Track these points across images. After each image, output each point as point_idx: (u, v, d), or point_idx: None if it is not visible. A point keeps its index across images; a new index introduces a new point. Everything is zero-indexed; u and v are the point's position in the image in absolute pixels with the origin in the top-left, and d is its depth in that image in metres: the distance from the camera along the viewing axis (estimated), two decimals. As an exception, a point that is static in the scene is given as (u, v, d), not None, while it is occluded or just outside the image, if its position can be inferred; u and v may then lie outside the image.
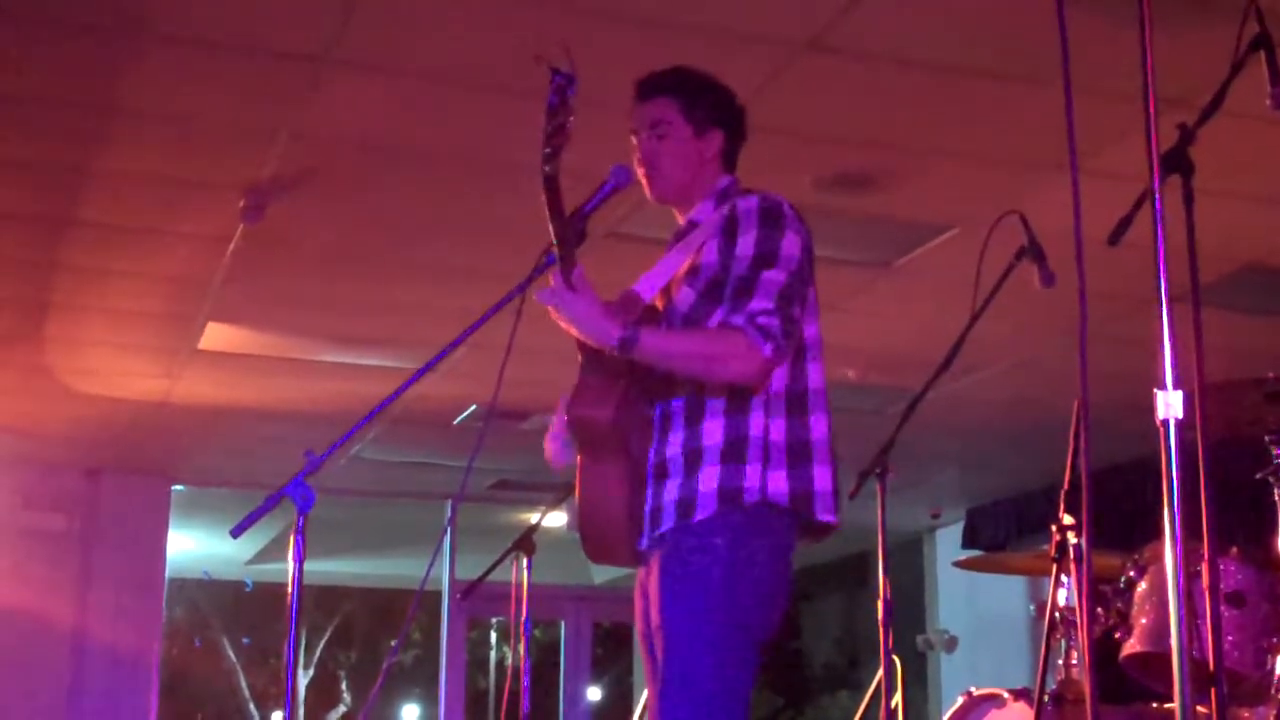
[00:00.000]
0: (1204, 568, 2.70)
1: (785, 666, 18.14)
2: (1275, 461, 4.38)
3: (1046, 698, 4.58)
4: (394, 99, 5.03)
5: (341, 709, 24.87)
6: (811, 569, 15.25)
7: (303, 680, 23.93)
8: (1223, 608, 4.34)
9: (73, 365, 8.20)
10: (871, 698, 6.92)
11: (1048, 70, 2.52)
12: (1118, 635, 4.69)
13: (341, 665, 25.34)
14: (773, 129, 3.46)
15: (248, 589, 19.75)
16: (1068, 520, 4.44)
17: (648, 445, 3.14)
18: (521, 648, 6.37)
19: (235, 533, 2.92)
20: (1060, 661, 4.89)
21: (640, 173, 3.28)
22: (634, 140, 3.31)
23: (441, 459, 10.47)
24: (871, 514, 4.43)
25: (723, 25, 4.48)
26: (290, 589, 2.89)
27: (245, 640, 24.49)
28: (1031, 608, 9.62)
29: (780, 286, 3.04)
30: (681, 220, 3.33)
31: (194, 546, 14.02)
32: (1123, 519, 7.98)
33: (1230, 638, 4.35)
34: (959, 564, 6.42)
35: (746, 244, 3.08)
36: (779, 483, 3.05)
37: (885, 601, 4.49)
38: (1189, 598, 2.26)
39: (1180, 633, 2.23)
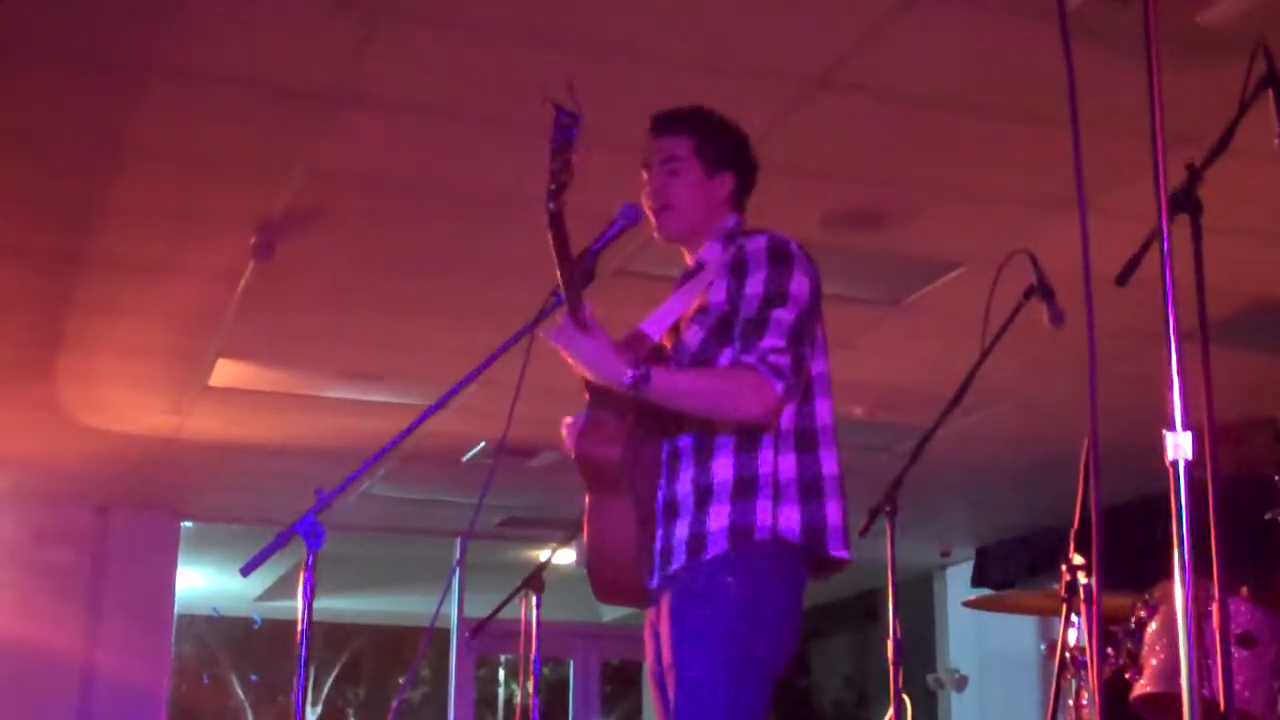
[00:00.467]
0: (1214, 608, 2.69)
1: (794, 704, 18.06)
2: (1286, 501, 4.37)
3: (1057, 738, 4.56)
4: (405, 135, 5.05)
5: (350, 746, 24.80)
6: (821, 607, 15.20)
7: (311, 717, 23.86)
8: (1233, 648, 4.33)
9: (83, 400, 8.21)
10: (881, 737, 6.89)
11: (1056, 109, 2.52)
12: (1128, 675, 4.67)
13: (350, 703, 25.26)
14: (783, 166, 3.47)
15: (256, 626, 19.71)
16: (1078, 559, 4.43)
17: (656, 483, 3.13)
18: (530, 686, 6.35)
19: (245, 571, 2.91)
20: (1071, 702, 4.87)
21: (649, 207, 3.29)
22: (645, 175, 3.32)
23: (450, 496, 10.46)
24: (881, 551, 4.42)
25: (734, 62, 4.50)
26: (300, 626, 2.89)
27: (253, 677, 24.43)
28: (1042, 646, 9.60)
29: (790, 325, 3.04)
30: (690, 260, 3.34)
31: (203, 583, 14.01)
32: (1133, 558, 7.93)
33: (1241, 678, 4.34)
34: (969, 604, 6.40)
35: (756, 283, 3.08)
36: (791, 519, 3.05)
37: (895, 640, 4.48)
38: (1199, 638, 2.26)
39: (1191, 673, 2.23)
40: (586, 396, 3.15)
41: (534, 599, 6.24)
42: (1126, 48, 3.74)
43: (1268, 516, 4.38)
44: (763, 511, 3.02)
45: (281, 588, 14.11)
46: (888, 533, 4.43)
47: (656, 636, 3.15)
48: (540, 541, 11.59)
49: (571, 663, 14.17)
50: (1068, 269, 3.08)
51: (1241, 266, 5.85)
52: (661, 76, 4.46)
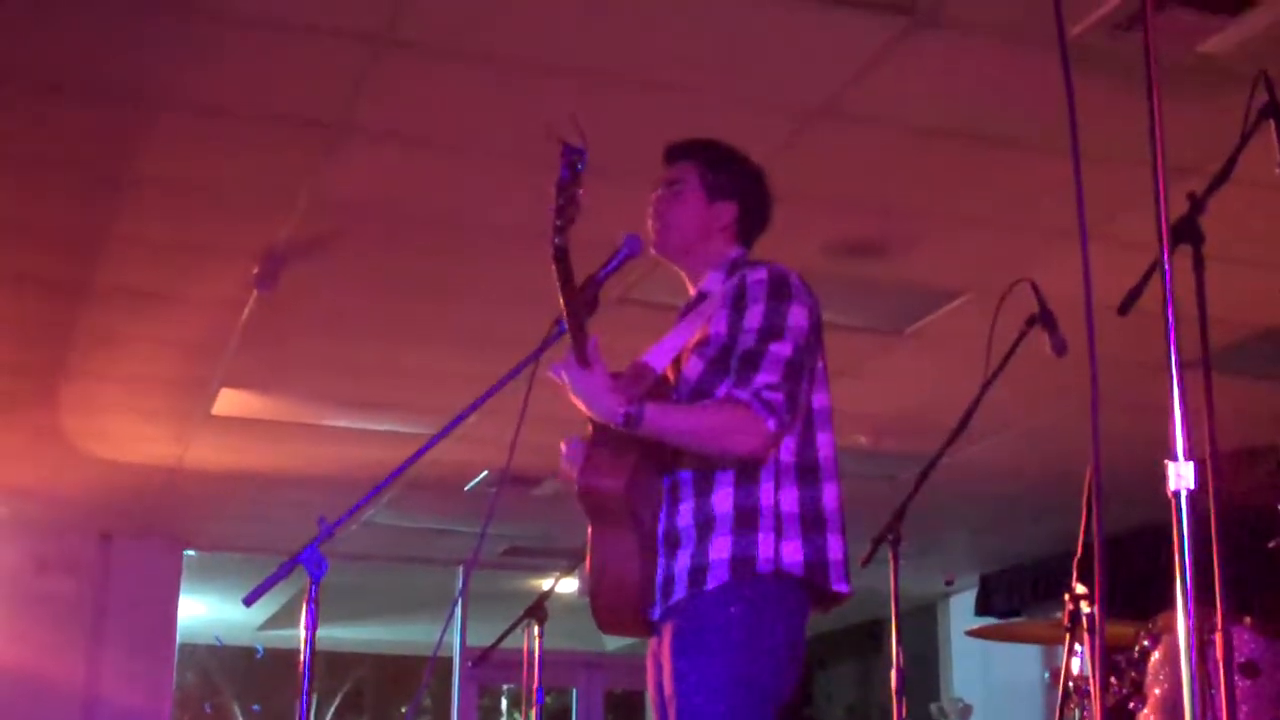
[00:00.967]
0: (1217, 637, 2.69)
1: (798, 735, 18.01)
2: (1288, 529, 4.36)
3: (1061, 767, 4.55)
4: (407, 165, 5.06)
5: (352, 776, 24.73)
6: (824, 636, 15.17)
7: (313, 747, 23.78)
8: (1236, 678, 4.32)
9: (86, 429, 8.22)
10: (885, 767, 6.86)
11: (1058, 138, 2.53)
12: (1132, 705, 4.66)
13: (352, 732, 25.19)
14: (785, 195, 3.47)
15: (259, 655, 19.68)
16: (1081, 588, 4.42)
17: (657, 515, 3.13)
18: (533, 715, 6.34)
19: (248, 601, 2.91)
20: (1075, 731, 4.85)
21: (649, 226, 3.31)
22: (651, 196, 3.34)
23: (453, 525, 10.46)
24: (885, 581, 4.41)
25: (736, 92, 4.52)
26: (302, 655, 2.89)
27: (255, 707, 24.36)
28: (1046, 675, 9.57)
29: (787, 359, 3.04)
30: (692, 290, 3.34)
31: (205, 612, 14.00)
32: (1136, 587, 7.93)
33: (1244, 708, 4.32)
34: (972, 633, 6.39)
35: (754, 316, 3.08)
36: (794, 553, 3.04)
37: (899, 669, 4.46)
38: (1202, 667, 2.25)
39: (1194, 703, 2.22)
40: (590, 428, 3.15)
41: (537, 628, 6.23)
42: (1127, 77, 3.75)
43: (1271, 545, 4.37)
44: (765, 544, 3.02)
45: (284, 617, 14.09)
46: (891, 562, 4.42)
47: (659, 667, 3.15)
48: (543, 570, 11.57)
49: (574, 692, 14.12)
50: (1070, 298, 3.08)
51: (1243, 295, 5.85)
52: (664, 108, 4.48)
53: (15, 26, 4.20)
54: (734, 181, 3.33)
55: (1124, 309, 2.48)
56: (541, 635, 6.23)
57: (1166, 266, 2.33)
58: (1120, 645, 4.85)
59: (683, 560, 3.06)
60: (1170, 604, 2.24)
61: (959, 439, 4.41)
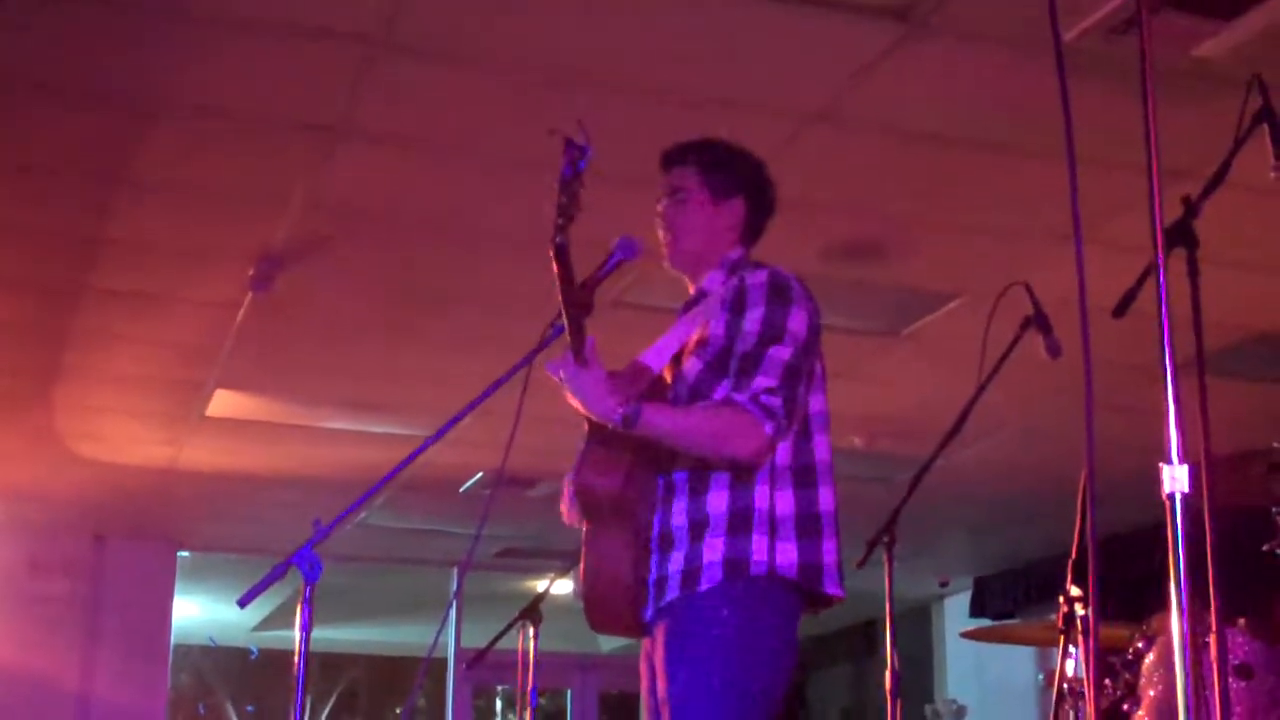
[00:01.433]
0: (1212, 639, 2.70)
1: (792, 736, 18.00)
2: (1282, 532, 4.37)
3: (1055, 769, 4.55)
4: (403, 168, 5.06)
5: (346, 777, 24.71)
6: (819, 638, 15.17)
7: (307, 748, 23.76)
8: (1230, 680, 4.32)
9: (80, 431, 8.21)
10: (879, 768, 6.87)
11: (1053, 142, 2.53)
12: (1126, 707, 4.67)
13: (346, 733, 25.17)
14: (782, 199, 3.47)
15: (253, 656, 19.66)
16: (1075, 590, 4.43)
17: (652, 514, 3.13)
18: (528, 716, 6.34)
19: (243, 602, 2.92)
20: (1069, 733, 4.86)
21: (660, 239, 3.30)
22: (658, 208, 3.33)
23: (448, 526, 10.46)
24: (879, 582, 4.41)
25: (732, 97, 4.52)
26: (296, 657, 2.89)
27: (250, 708, 24.34)
28: (1040, 677, 9.58)
29: (785, 363, 3.04)
30: (692, 289, 3.34)
31: (199, 613, 13.99)
32: (1131, 589, 7.94)
33: (1238, 709, 4.33)
34: (967, 634, 6.40)
35: (754, 319, 3.08)
36: (788, 555, 3.04)
37: (893, 671, 4.47)
38: (1197, 670, 2.26)
39: (1188, 705, 2.23)
40: (586, 427, 3.16)
41: (531, 629, 6.23)
42: (1122, 81, 3.76)
43: (1265, 548, 4.38)
44: (759, 547, 3.02)
45: (278, 618, 14.09)
46: (885, 564, 4.43)
47: (652, 668, 3.15)
48: (538, 572, 11.57)
49: (569, 693, 14.12)
50: (1065, 301, 3.09)
51: (1238, 298, 5.86)
52: (663, 112, 4.48)
53: (11, 29, 4.20)
54: (737, 177, 3.33)
55: (1119, 312, 2.48)
56: (536, 636, 6.23)
57: (1161, 270, 2.34)
58: (1115, 647, 4.86)
59: (676, 561, 3.06)
60: (1165, 606, 2.24)
61: (954, 441, 4.42)
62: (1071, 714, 4.82)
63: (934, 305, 6.25)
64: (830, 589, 3.10)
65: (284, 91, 4.55)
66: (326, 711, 24.18)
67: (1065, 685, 4.69)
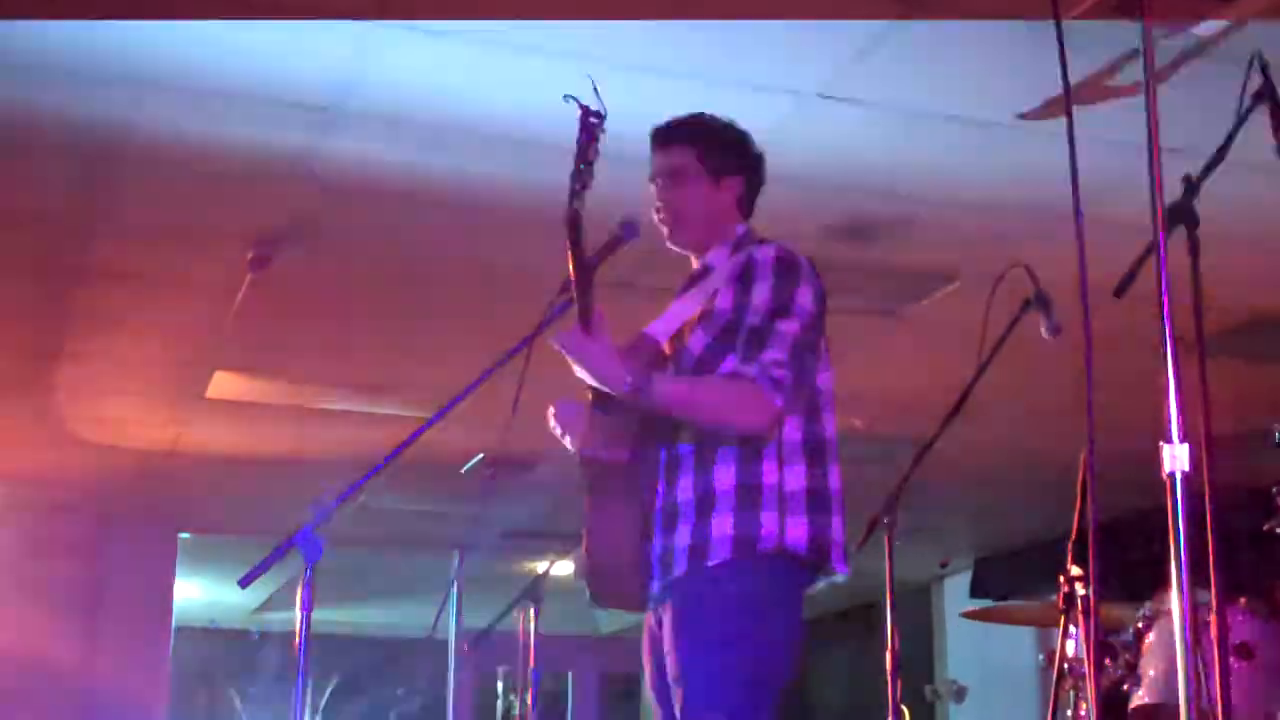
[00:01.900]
0: (1212, 619, 2.70)
1: (793, 716, 18.04)
2: (1283, 512, 4.37)
3: (1055, 749, 4.56)
4: (403, 148, 5.05)
5: (348, 758, 24.75)
6: (819, 618, 15.18)
7: (309, 729, 23.79)
8: (1231, 659, 4.33)
9: (81, 413, 8.21)
10: (880, 749, 6.88)
11: (1054, 121, 2.53)
12: (1126, 686, 4.67)
13: (348, 715, 25.21)
14: (781, 178, 3.47)
15: (254, 638, 19.67)
16: (1076, 571, 4.43)
17: (655, 487, 3.13)
18: (529, 698, 6.35)
19: (244, 583, 2.92)
20: (1069, 712, 4.87)
21: (659, 220, 3.29)
22: (652, 188, 3.32)
23: (449, 508, 10.46)
24: (879, 563, 4.41)
25: (732, 74, 4.51)
26: (297, 638, 2.89)
27: (251, 689, 24.37)
28: (1040, 657, 9.59)
29: (794, 338, 3.05)
30: (695, 264, 3.34)
31: (201, 594, 14.00)
32: (1131, 569, 7.95)
33: (1239, 689, 4.34)
34: (967, 615, 6.41)
35: (762, 294, 3.08)
36: (799, 530, 3.04)
37: (893, 652, 4.47)
38: (1197, 649, 2.26)
39: (1189, 684, 2.23)
40: (590, 397, 3.15)
41: (532, 611, 6.24)
42: (1123, 59, 3.76)
43: (1265, 528, 4.38)
44: (768, 521, 3.02)
45: (280, 600, 14.10)
46: (886, 544, 4.43)
47: (656, 646, 3.15)
48: (539, 553, 11.57)
49: (570, 675, 14.15)
50: (1065, 280, 3.08)
51: (1239, 278, 5.85)
52: (659, 91, 4.47)
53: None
54: (734, 156, 3.33)
55: (1119, 292, 2.48)
56: (537, 618, 6.24)
57: (1162, 249, 2.33)
58: (1115, 627, 4.86)
59: (682, 536, 3.06)
60: (1165, 586, 2.25)
61: (954, 422, 4.41)
62: (1072, 694, 4.82)
63: (934, 285, 6.24)
64: (838, 566, 3.11)
65: (285, 70, 4.54)
66: (328, 693, 24.21)
67: (1066, 665, 4.70)
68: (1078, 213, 2.42)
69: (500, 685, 8.79)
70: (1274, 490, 4.39)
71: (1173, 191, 2.53)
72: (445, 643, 12.61)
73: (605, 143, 2.97)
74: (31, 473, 9.58)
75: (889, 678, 4.47)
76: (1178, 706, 2.22)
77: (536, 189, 5.01)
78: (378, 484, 9.58)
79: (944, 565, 12.16)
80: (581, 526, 3.19)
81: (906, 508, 4.47)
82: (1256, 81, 2.90)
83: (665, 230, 3.30)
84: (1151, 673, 4.58)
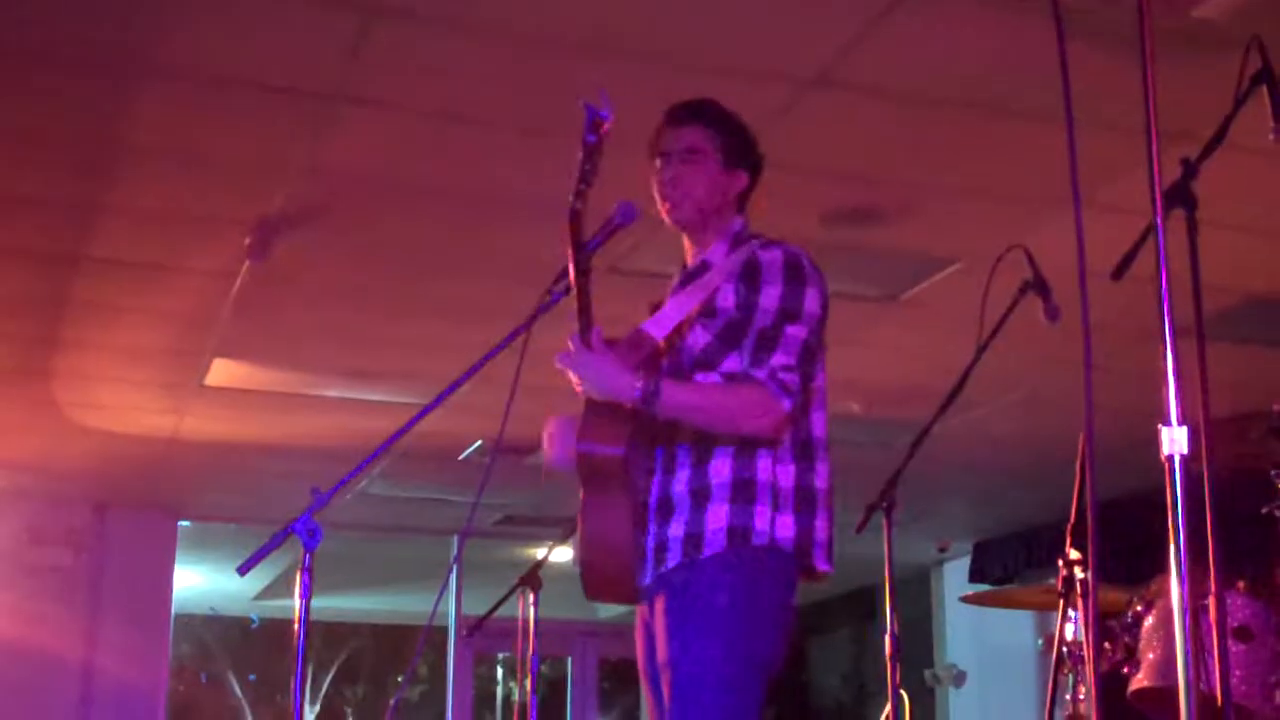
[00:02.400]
0: (1211, 602, 2.70)
1: (793, 701, 18.06)
2: (1281, 495, 4.38)
3: (1055, 732, 4.57)
4: (401, 135, 5.05)
5: (348, 745, 24.80)
6: (819, 603, 15.20)
7: (309, 716, 23.85)
8: (1230, 642, 4.33)
9: (80, 401, 8.21)
10: (879, 733, 6.89)
11: (1052, 105, 2.52)
12: (1125, 670, 4.68)
13: (348, 701, 25.25)
14: (779, 164, 3.47)
15: (254, 625, 19.70)
16: (1074, 554, 4.44)
17: (650, 481, 3.14)
18: (528, 683, 6.36)
19: (242, 570, 2.92)
20: (1068, 696, 4.88)
21: (660, 194, 3.28)
22: (657, 164, 3.30)
23: (447, 494, 10.47)
24: (878, 547, 4.42)
25: (730, 61, 4.50)
26: (297, 625, 2.89)
27: (251, 676, 24.41)
28: (1039, 641, 9.61)
29: (802, 342, 3.07)
30: (691, 259, 3.33)
31: (200, 582, 14.01)
32: (1130, 553, 7.97)
33: (1238, 672, 4.35)
34: (966, 599, 6.41)
35: (771, 297, 3.08)
36: (786, 528, 3.07)
37: (892, 636, 4.48)
38: (1196, 632, 2.26)
39: (1188, 667, 2.23)
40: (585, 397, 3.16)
41: (531, 596, 6.24)
42: (1121, 43, 3.75)
43: (1264, 510, 4.38)
44: (761, 517, 3.04)
45: (279, 587, 14.11)
46: (885, 529, 4.43)
47: (649, 634, 3.16)
48: (537, 539, 11.59)
49: (569, 660, 14.17)
50: (1063, 264, 3.08)
51: (1237, 261, 5.86)
52: (658, 76, 4.46)
53: (4, -4, 4.19)
54: (744, 150, 3.33)
55: (1117, 274, 2.48)
56: (536, 604, 6.25)
57: (1160, 232, 2.33)
58: (1114, 611, 4.87)
59: (677, 527, 3.07)
60: (1163, 569, 2.25)
61: (953, 406, 4.42)
62: (1071, 677, 4.83)
63: (932, 270, 6.24)
64: (820, 564, 3.12)
65: (280, 57, 4.53)
66: (329, 680, 24.25)
67: (1064, 649, 4.71)
68: (1076, 196, 2.42)
69: (500, 671, 8.79)
70: (1273, 473, 4.39)
71: (1171, 174, 2.53)
72: (445, 629, 12.63)
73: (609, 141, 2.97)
74: (30, 461, 9.59)
75: (888, 662, 4.48)
76: (1177, 689, 2.22)
77: (537, 178, 5.01)
78: (376, 470, 9.63)
79: (943, 549, 12.17)
80: (577, 520, 3.19)
81: (905, 492, 4.47)
82: (1255, 64, 2.89)
83: (667, 205, 3.27)
84: (1151, 656, 4.59)
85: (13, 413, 8.49)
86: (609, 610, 13.97)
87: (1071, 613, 4.56)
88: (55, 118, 4.93)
